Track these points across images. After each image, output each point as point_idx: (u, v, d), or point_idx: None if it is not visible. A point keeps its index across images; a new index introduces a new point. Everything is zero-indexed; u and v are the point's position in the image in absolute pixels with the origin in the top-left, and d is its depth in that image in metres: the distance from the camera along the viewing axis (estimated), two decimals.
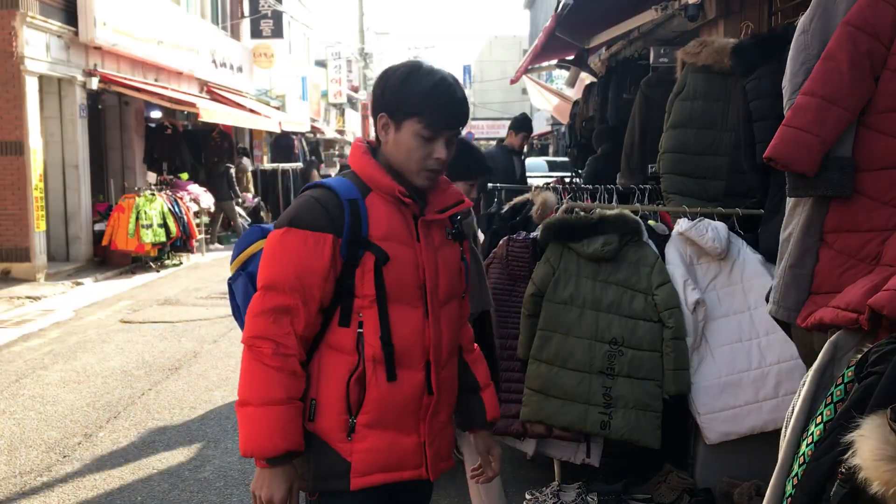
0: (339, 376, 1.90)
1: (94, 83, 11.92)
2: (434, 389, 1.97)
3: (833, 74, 1.99)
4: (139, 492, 4.06)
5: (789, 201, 2.11)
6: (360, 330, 1.89)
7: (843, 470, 1.52)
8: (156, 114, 14.83)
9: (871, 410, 1.50)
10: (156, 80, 14.11)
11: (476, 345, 2.27)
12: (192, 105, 13.58)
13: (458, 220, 2.09)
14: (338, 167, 17.66)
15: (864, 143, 2.00)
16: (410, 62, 1.98)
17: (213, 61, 16.93)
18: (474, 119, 48.27)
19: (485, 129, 45.07)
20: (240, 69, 18.80)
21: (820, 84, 2.00)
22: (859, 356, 1.74)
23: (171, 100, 13.35)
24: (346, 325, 1.90)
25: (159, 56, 13.93)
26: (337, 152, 28.34)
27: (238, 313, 2.16)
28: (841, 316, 1.91)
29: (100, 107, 13.33)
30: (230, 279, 2.20)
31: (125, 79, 12.68)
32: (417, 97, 1.85)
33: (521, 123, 7.45)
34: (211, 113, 14.07)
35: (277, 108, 21.35)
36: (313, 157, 19.12)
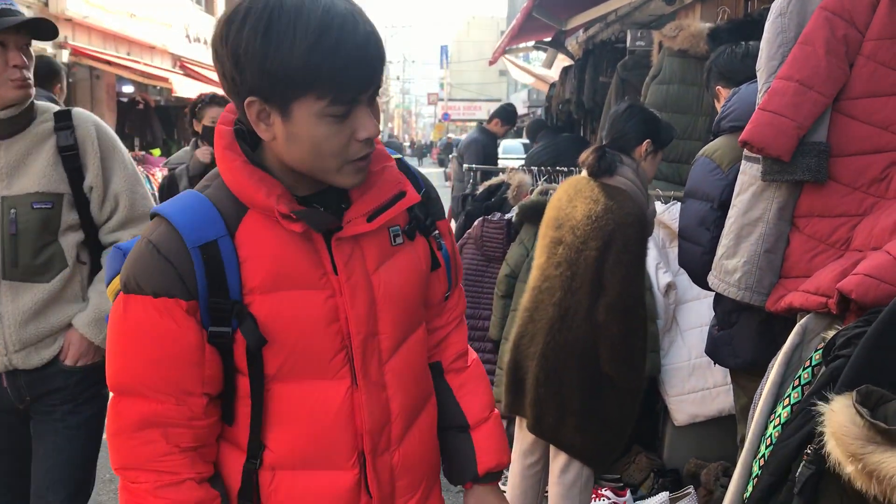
0: (236, 478, 1.36)
1: (65, 55, 11.71)
2: (373, 491, 1.38)
3: (810, 59, 1.99)
4: (107, 468, 4.02)
5: (755, 185, 2.11)
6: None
7: (809, 451, 1.54)
8: (128, 88, 14.63)
9: (837, 393, 1.52)
10: (128, 54, 13.91)
11: (472, 358, 1.64)
12: (165, 80, 13.41)
13: (417, 209, 1.43)
14: None
15: (837, 129, 2.01)
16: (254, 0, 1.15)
17: (187, 36, 16.71)
18: (451, 100, 48.06)
19: (461, 110, 44.89)
20: None
21: (797, 68, 2.00)
22: (827, 339, 1.76)
23: (143, 74, 13.17)
24: (228, 421, 1.34)
25: (132, 30, 13.72)
26: None
27: None
28: (810, 300, 1.93)
29: (70, 80, 13.11)
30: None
31: (96, 52, 12.48)
32: (302, 60, 1.12)
33: (510, 116, 7.64)
34: (184, 88, 13.90)
35: None
36: None
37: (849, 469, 1.34)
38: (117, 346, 1.27)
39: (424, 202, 1.44)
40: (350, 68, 1.16)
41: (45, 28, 2.18)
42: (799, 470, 1.57)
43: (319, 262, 1.29)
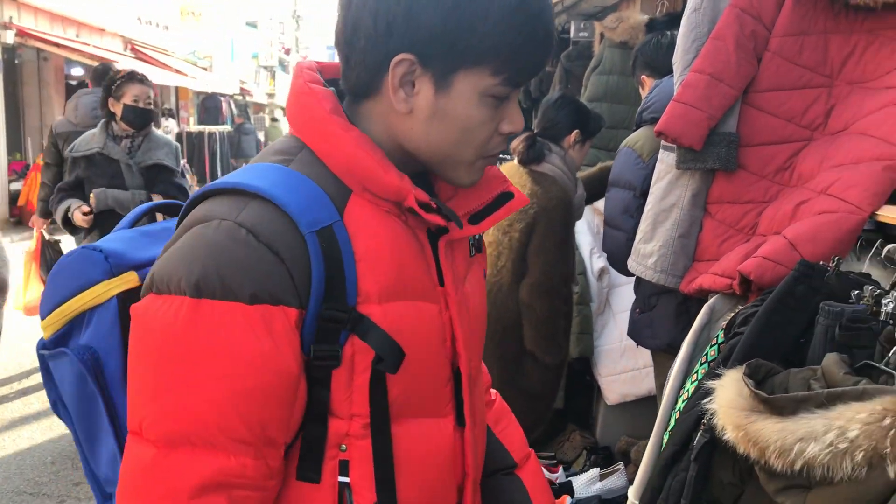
0: None
1: (10, 37, 11.48)
2: None
3: (721, 53, 2.10)
4: (49, 452, 4.04)
5: (671, 173, 2.22)
6: (346, 479, 0.99)
7: (705, 421, 1.65)
8: (77, 71, 14.38)
9: (731, 366, 1.63)
10: (77, 36, 13.67)
11: (495, 391, 1.43)
12: (115, 63, 13.22)
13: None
14: (256, 135, 17.43)
15: (746, 120, 2.13)
16: None
17: (138, 18, 16.47)
18: None
19: None
20: (166, 27, 18.32)
21: (709, 62, 2.11)
22: (730, 318, 1.88)
23: (92, 57, 12.95)
24: (313, 478, 0.98)
25: (80, 11, 13.49)
26: (268, 115, 27.87)
27: (64, 412, 1.14)
28: (717, 282, 2.04)
29: (16, 61, 12.85)
30: (43, 347, 1.13)
31: (43, 33, 12.26)
32: (497, 24, 0.93)
33: None
34: None
35: (205, 69, 20.91)
36: (244, 121, 18.61)
37: (732, 436, 1.45)
38: (173, 374, 0.90)
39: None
40: (537, 47, 0.98)
41: None
42: (697, 438, 1.68)
43: (428, 268, 1.04)
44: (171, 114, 17.94)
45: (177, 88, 18.60)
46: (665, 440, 1.94)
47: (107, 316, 1.07)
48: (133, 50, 16.15)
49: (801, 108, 2.07)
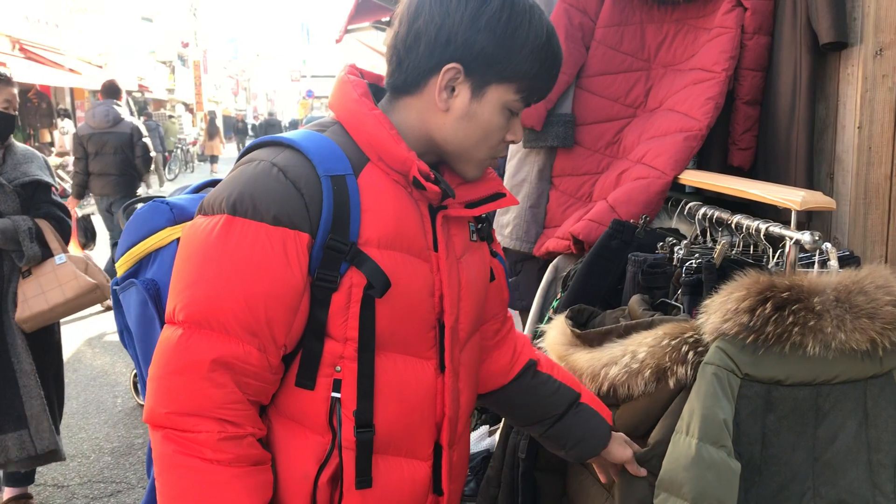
0: (301, 471, 1.21)
1: None
2: (444, 487, 1.34)
3: None
4: None
5: (521, 152, 2.51)
6: (337, 395, 1.20)
7: None
8: None
9: (559, 312, 1.92)
10: None
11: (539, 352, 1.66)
12: (3, 64, 12.86)
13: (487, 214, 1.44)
14: (160, 131, 17.31)
15: (580, 102, 2.43)
16: None
17: (26, 17, 15.98)
18: (314, 76, 47.85)
19: (327, 87, 44.67)
20: (56, 25, 17.83)
21: None
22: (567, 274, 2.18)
23: None
24: (308, 385, 1.20)
25: None
26: (168, 112, 27.35)
27: (128, 339, 1.39)
28: (560, 244, 2.34)
29: None
30: (116, 283, 1.38)
31: None
32: (528, 53, 1.20)
33: None
34: (25, 73, 13.36)
35: (100, 67, 20.42)
36: (147, 118, 18.28)
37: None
38: (205, 271, 1.13)
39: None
40: (551, 76, 1.26)
41: None
42: None
43: (424, 233, 1.26)
44: (66, 114, 17.52)
45: (72, 89, 18.15)
46: None
47: (168, 256, 1.30)
48: (22, 50, 15.68)
49: (625, 89, 2.39)
